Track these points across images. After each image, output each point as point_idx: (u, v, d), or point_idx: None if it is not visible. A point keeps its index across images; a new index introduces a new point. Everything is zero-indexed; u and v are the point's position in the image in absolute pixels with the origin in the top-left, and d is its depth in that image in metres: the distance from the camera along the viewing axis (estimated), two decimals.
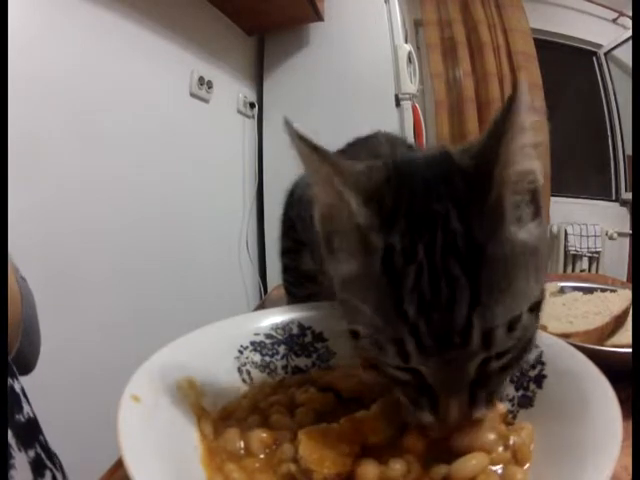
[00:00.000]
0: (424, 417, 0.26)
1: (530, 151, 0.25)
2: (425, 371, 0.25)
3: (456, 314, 0.23)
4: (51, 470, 0.42)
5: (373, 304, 0.24)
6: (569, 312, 0.53)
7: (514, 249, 0.24)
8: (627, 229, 2.60)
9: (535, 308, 0.26)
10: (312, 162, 0.26)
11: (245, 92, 1.75)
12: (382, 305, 0.24)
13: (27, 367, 0.52)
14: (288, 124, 0.25)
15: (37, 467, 0.40)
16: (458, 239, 0.23)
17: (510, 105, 0.23)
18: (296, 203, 0.49)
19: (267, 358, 0.39)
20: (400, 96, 1.68)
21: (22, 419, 0.41)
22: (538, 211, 0.26)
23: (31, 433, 0.42)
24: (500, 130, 0.23)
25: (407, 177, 0.27)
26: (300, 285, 0.52)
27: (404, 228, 0.24)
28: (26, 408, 0.42)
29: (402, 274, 0.23)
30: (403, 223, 0.24)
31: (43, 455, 0.42)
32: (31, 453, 0.40)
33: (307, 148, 0.25)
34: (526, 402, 0.32)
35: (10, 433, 0.37)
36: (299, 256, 0.49)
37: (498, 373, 0.26)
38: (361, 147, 0.44)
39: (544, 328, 0.46)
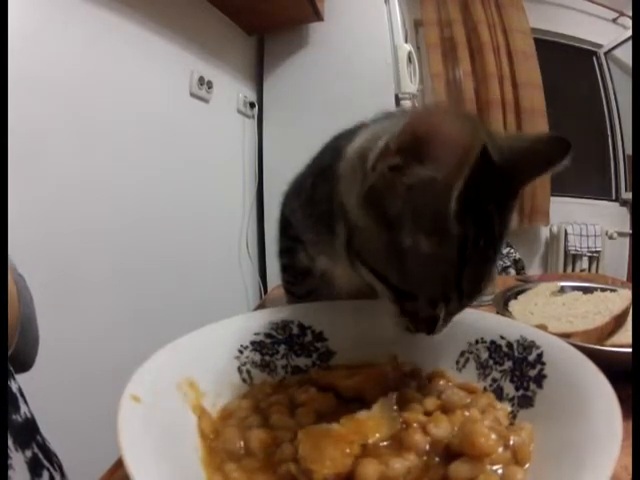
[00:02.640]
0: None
1: None
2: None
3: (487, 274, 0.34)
4: (49, 470, 0.42)
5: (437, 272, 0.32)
6: (569, 312, 0.53)
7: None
8: (627, 229, 2.60)
9: None
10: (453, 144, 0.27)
11: (245, 92, 1.75)
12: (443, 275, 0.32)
13: (25, 365, 0.52)
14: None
15: (34, 467, 0.40)
16: (496, 234, 0.33)
17: (566, 153, 0.33)
18: (289, 198, 0.49)
19: (267, 358, 0.39)
20: (400, 96, 1.67)
21: (19, 419, 0.41)
22: None
23: (28, 433, 0.42)
24: (546, 168, 0.34)
25: None
26: (299, 283, 0.52)
27: (472, 221, 0.31)
28: (23, 408, 0.42)
29: (469, 258, 0.31)
30: (470, 216, 0.31)
31: (40, 455, 0.42)
32: (28, 453, 0.40)
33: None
34: (526, 402, 0.32)
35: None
36: (295, 254, 0.49)
37: None
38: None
39: (544, 328, 0.46)
